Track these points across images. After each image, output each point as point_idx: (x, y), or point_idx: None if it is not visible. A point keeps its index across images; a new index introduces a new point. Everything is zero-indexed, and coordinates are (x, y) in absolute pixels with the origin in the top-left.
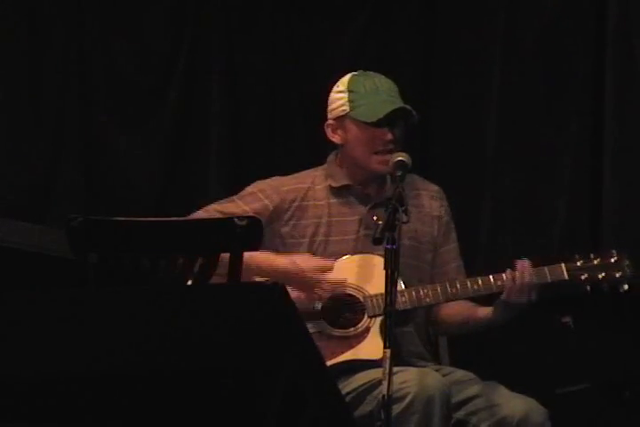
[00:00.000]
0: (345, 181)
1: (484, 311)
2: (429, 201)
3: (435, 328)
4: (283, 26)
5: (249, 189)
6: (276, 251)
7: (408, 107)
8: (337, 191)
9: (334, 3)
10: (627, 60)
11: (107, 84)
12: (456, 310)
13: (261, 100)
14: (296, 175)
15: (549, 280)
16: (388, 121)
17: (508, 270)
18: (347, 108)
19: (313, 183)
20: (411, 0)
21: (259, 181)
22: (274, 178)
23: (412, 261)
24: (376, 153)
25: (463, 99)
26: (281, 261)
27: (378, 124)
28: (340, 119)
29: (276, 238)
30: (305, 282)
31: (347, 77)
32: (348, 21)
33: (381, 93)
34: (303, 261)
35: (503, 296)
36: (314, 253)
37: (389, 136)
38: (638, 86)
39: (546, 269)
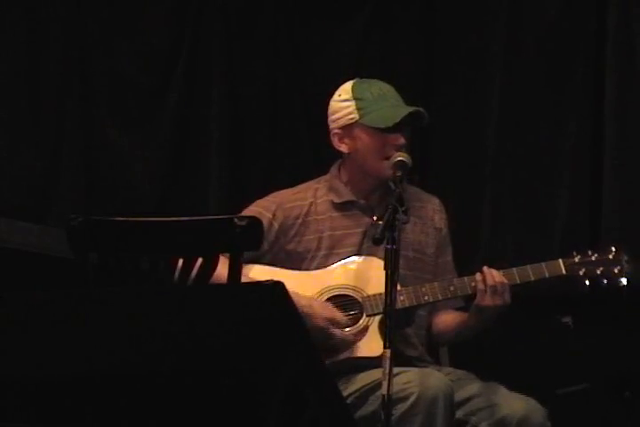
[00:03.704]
0: (348, 197)
1: (465, 317)
2: (433, 214)
3: (433, 339)
4: (283, 27)
5: (252, 207)
6: (281, 264)
7: (422, 110)
8: (339, 206)
9: (335, 4)
10: (627, 61)
11: (107, 84)
12: (448, 318)
13: (263, 101)
14: (297, 189)
15: (547, 276)
16: (399, 126)
17: (477, 274)
18: (355, 115)
19: (315, 197)
20: (411, 0)
21: (260, 200)
22: (275, 194)
23: (416, 273)
24: (387, 159)
25: (464, 99)
26: (300, 300)
27: (392, 129)
28: (348, 128)
29: (281, 253)
30: (314, 326)
31: (348, 86)
32: (348, 22)
33: (389, 98)
34: (321, 308)
35: (476, 301)
36: (317, 267)
37: (402, 141)
38: (638, 86)
39: (543, 264)
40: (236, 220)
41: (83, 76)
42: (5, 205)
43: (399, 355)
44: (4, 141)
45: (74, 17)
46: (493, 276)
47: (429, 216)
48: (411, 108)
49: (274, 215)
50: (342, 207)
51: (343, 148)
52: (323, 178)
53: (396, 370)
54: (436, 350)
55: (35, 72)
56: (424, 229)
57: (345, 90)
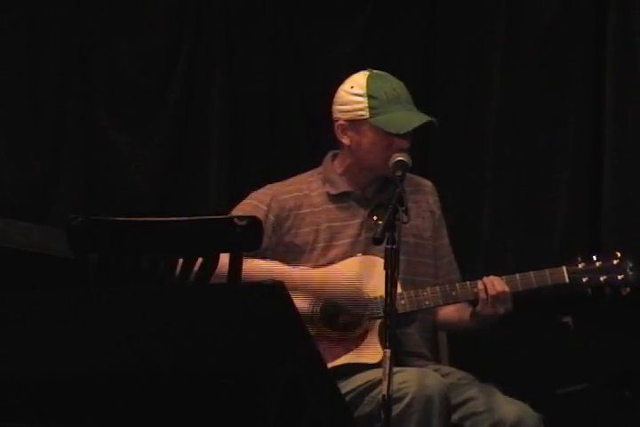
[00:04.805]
0: (344, 188)
1: (467, 316)
2: (426, 197)
3: (435, 324)
4: (284, 27)
5: (247, 200)
6: (281, 259)
7: (434, 120)
8: (335, 197)
9: (335, 4)
10: (627, 61)
11: (107, 84)
12: (453, 312)
13: (262, 101)
14: (291, 181)
15: (550, 283)
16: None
17: (479, 282)
18: (366, 113)
19: (309, 189)
20: (412, 2)
21: (254, 192)
22: (269, 186)
23: (417, 258)
24: (387, 159)
25: (464, 101)
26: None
27: (400, 134)
28: (356, 123)
29: (280, 247)
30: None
31: (362, 79)
32: (349, 23)
33: (402, 102)
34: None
35: (477, 309)
36: (316, 260)
37: (406, 145)
38: (638, 86)
39: (547, 271)
40: (235, 220)
41: (83, 76)
42: (5, 205)
43: (399, 352)
44: (4, 141)
45: (74, 17)
46: (495, 285)
47: (424, 200)
48: (424, 118)
49: (269, 207)
50: (338, 199)
51: (345, 139)
52: (315, 171)
53: (393, 370)
54: (436, 346)
55: (35, 72)
56: (420, 212)
57: (358, 83)
